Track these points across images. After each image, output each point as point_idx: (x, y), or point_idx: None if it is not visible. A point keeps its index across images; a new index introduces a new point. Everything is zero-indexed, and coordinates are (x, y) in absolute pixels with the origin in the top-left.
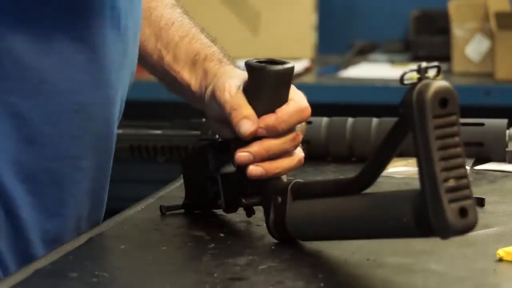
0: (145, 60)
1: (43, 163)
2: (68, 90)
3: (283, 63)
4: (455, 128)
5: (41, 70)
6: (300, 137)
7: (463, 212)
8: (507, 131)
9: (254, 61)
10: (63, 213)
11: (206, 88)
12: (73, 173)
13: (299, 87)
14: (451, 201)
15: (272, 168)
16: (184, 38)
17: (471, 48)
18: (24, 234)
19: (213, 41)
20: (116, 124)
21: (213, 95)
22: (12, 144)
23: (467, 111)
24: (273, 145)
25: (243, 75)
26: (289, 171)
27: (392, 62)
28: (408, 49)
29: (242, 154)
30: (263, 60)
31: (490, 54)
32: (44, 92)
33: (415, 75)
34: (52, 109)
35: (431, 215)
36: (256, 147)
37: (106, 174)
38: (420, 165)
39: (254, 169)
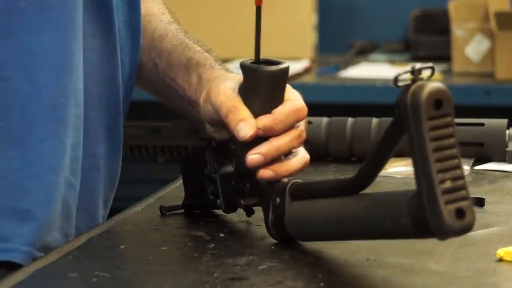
0: (140, 72)
1: None
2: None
3: (278, 63)
4: (450, 129)
5: None
6: (304, 135)
7: (460, 213)
8: (507, 131)
9: (249, 61)
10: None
11: (200, 93)
12: None
13: (299, 87)
14: (448, 202)
15: (282, 170)
16: (177, 46)
17: (471, 48)
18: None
19: (208, 51)
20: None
21: (208, 98)
22: None
23: (467, 111)
24: (282, 144)
25: (238, 77)
26: (297, 172)
27: (392, 62)
28: (408, 49)
29: (253, 157)
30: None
31: (490, 54)
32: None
33: (410, 76)
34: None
35: (428, 217)
36: (266, 148)
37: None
38: (416, 167)
39: (265, 172)
